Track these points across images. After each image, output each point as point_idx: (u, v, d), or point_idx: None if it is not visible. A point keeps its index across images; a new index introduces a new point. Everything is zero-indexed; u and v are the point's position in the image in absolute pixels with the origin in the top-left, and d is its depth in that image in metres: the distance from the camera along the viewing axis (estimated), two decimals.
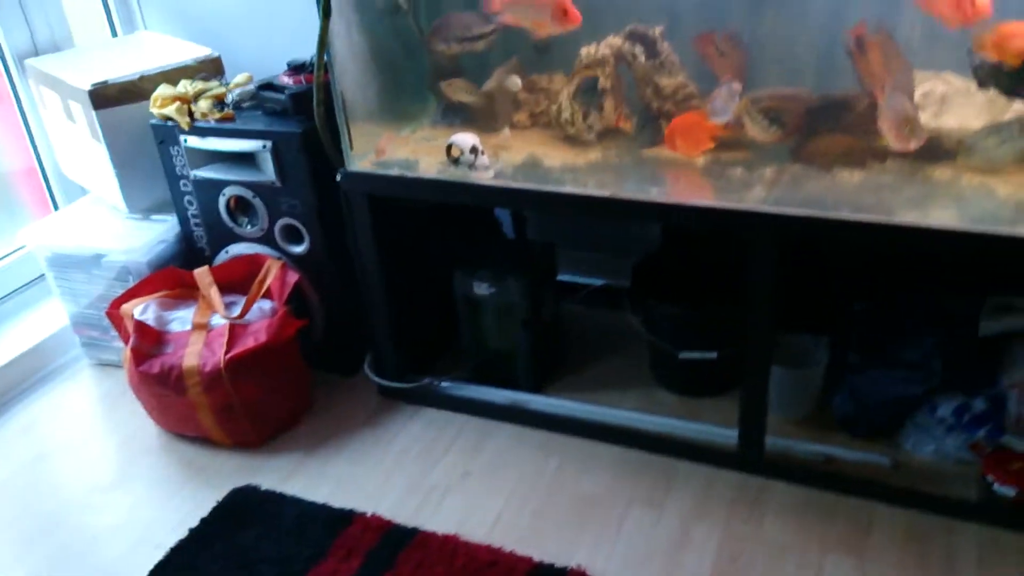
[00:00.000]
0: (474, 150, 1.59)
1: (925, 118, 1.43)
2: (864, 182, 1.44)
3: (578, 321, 2.17)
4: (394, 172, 1.68)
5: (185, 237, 2.12)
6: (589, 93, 1.58)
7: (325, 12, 1.54)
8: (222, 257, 2.07)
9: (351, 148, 1.71)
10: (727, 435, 1.67)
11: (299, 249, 1.95)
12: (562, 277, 2.17)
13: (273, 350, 1.84)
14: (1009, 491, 1.44)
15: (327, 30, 1.56)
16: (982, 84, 1.36)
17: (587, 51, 1.58)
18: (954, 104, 1.44)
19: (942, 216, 1.34)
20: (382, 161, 1.72)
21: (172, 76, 2.05)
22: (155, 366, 1.82)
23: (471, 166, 1.60)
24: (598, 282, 2.26)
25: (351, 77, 1.66)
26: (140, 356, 1.84)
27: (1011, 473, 1.45)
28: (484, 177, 1.61)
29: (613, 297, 2.15)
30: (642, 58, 1.55)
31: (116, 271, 2.08)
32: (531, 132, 1.69)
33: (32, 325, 2.29)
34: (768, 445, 1.62)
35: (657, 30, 1.55)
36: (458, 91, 1.68)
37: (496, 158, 1.62)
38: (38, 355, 2.24)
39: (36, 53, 2.32)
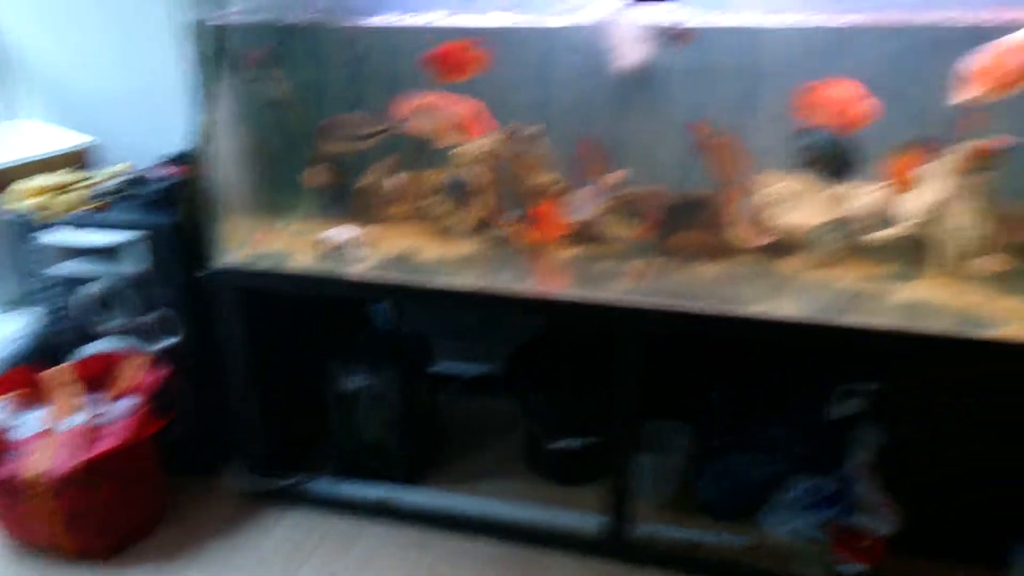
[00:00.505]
0: (349, 243, 1.61)
1: (773, 216, 1.56)
2: (720, 275, 1.54)
3: (456, 410, 2.18)
4: (266, 266, 1.68)
5: (45, 334, 2.01)
6: (459, 188, 1.64)
7: (203, 106, 1.55)
8: (87, 352, 1.98)
9: (222, 242, 1.69)
10: (595, 523, 1.69)
11: (169, 343, 1.89)
12: (440, 367, 2.18)
13: (128, 453, 1.75)
14: (856, 568, 1.52)
15: (207, 124, 1.57)
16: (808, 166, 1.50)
17: (464, 148, 1.65)
18: (801, 203, 1.58)
19: (788, 307, 1.44)
20: (255, 254, 1.71)
21: (34, 168, 2.00)
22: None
23: (345, 259, 1.62)
24: (476, 370, 2.29)
25: (226, 171, 1.67)
26: None
27: (859, 551, 1.53)
28: (358, 270, 1.62)
29: (490, 386, 2.18)
30: (519, 154, 1.63)
31: None
32: (407, 225, 1.74)
33: None
34: (636, 532, 1.65)
35: (534, 129, 1.63)
36: (318, 177, 1.71)
37: (371, 251, 1.65)
38: None
39: None
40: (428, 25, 1.43)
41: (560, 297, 1.52)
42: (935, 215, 1.45)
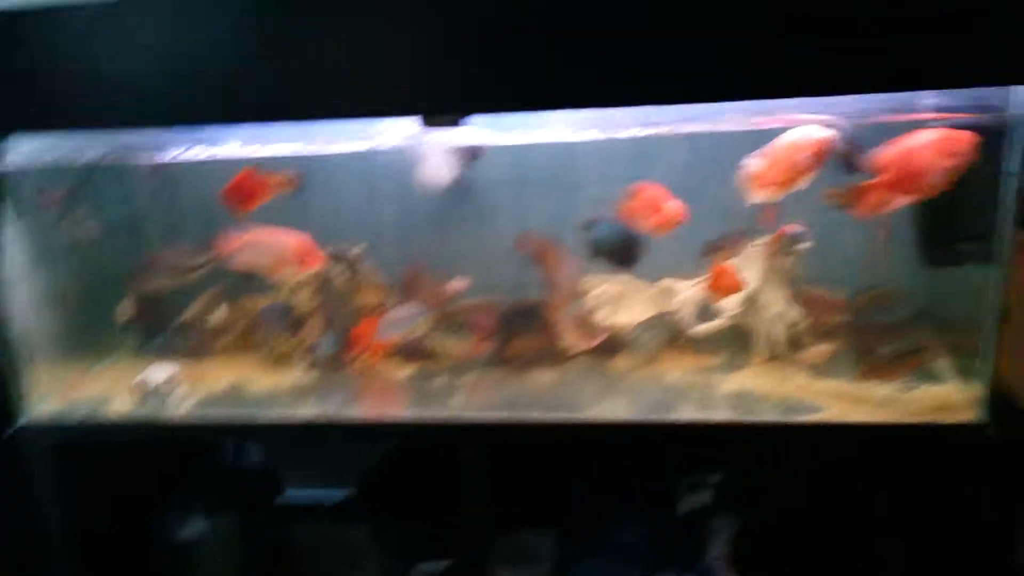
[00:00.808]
0: (167, 383, 1.51)
1: (600, 317, 1.58)
2: (555, 381, 1.53)
3: (311, 541, 2.05)
4: (79, 417, 1.55)
5: None
6: (281, 316, 1.58)
7: None
8: None
9: (27, 396, 1.56)
10: None
11: None
12: (290, 497, 2.05)
13: None
14: None
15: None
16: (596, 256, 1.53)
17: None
18: (627, 302, 1.61)
19: (621, 408, 1.45)
20: (68, 405, 1.58)
21: None
22: None
23: (166, 401, 1.51)
24: (329, 497, 2.17)
25: (28, 317, 1.55)
26: None
27: None
28: (179, 412, 1.52)
29: (345, 513, 2.07)
30: (342, 277, 1.59)
31: None
32: (237, 357, 1.66)
33: None
34: None
35: (356, 250, 1.60)
36: (129, 312, 1.63)
37: (192, 389, 1.55)
38: None
39: None
40: (229, 157, 1.40)
41: (395, 420, 1.48)
42: (751, 305, 1.51)
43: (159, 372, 1.51)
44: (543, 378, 1.54)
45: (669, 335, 1.56)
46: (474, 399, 1.50)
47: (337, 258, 1.58)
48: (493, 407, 1.47)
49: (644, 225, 1.45)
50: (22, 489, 1.62)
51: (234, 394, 1.56)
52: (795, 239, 1.43)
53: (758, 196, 1.34)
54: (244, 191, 1.44)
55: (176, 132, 1.40)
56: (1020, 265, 1.18)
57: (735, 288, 1.47)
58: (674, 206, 1.40)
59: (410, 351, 1.60)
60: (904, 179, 1.25)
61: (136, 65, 1.22)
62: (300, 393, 1.55)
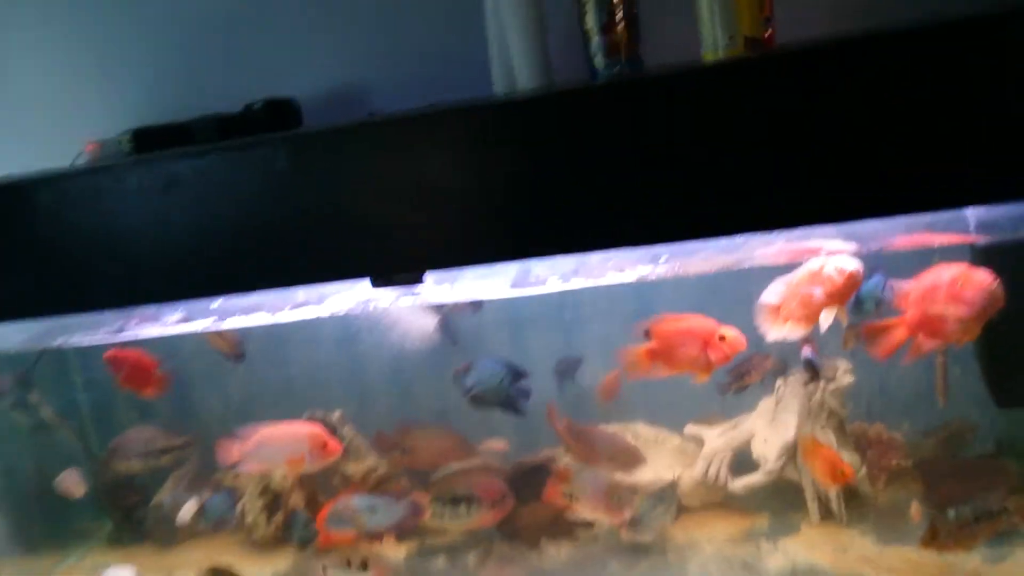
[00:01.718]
0: None
1: (619, 477, 1.36)
2: (573, 556, 1.31)
3: None
4: None
5: None
6: (229, 505, 1.41)
7: None
8: None
9: None
10: None
11: None
12: None
13: None
14: None
15: None
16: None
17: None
18: (648, 455, 1.39)
19: None
20: None
21: None
22: None
23: None
24: None
25: None
26: None
27: None
28: None
29: None
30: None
31: None
32: (216, 540, 1.48)
33: None
34: None
35: (336, 415, 1.44)
36: (70, 483, 1.47)
37: None
38: None
39: None
40: (183, 332, 1.26)
41: None
42: (793, 455, 1.28)
43: (119, 574, 1.34)
44: (558, 553, 1.32)
45: (706, 493, 1.33)
46: None
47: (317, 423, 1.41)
48: None
49: (689, 359, 1.22)
50: None
51: None
52: (814, 364, 1.22)
53: (777, 332, 1.13)
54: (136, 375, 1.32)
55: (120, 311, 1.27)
56: None
57: (845, 476, 1.21)
58: (733, 334, 1.16)
59: (404, 530, 1.40)
60: (926, 321, 1.05)
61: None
62: None
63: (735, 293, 1.17)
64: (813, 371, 1.23)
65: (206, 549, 1.45)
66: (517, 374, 1.30)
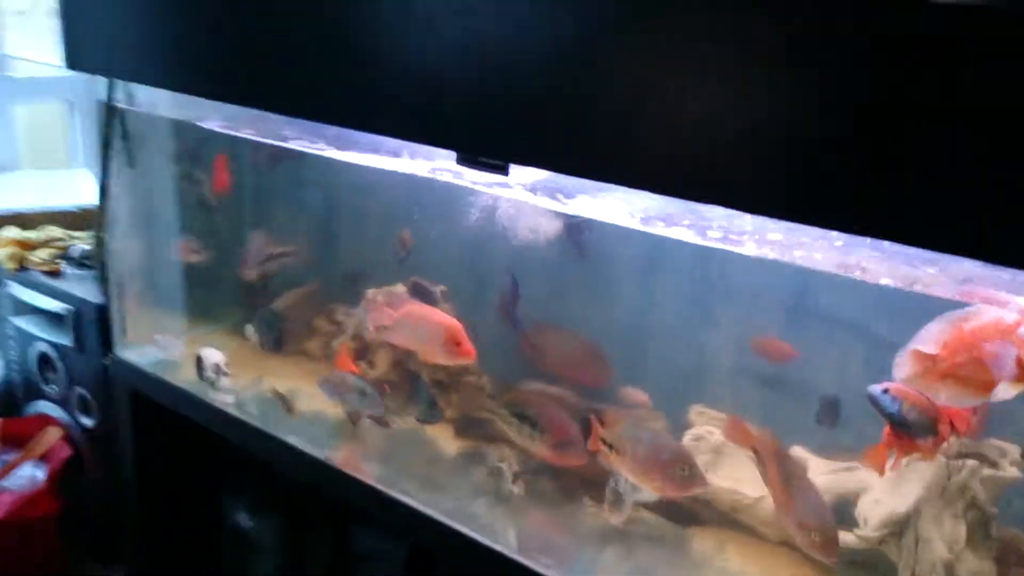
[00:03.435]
0: (216, 369, 1.42)
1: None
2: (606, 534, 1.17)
3: None
4: (155, 369, 1.53)
5: (7, 382, 2.00)
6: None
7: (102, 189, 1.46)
8: (29, 411, 1.93)
9: (124, 334, 1.57)
10: None
11: (88, 422, 1.80)
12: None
13: (12, 529, 1.65)
14: None
15: (105, 211, 1.47)
16: None
17: (373, 293, 1.42)
18: (732, 458, 1.18)
19: None
20: (152, 355, 1.57)
21: (36, 220, 2.01)
22: None
23: (213, 384, 1.43)
24: None
25: (132, 261, 1.56)
26: None
27: None
28: (223, 400, 1.43)
29: None
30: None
31: None
32: (312, 365, 1.52)
33: None
34: None
35: (439, 288, 1.38)
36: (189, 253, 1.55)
37: (247, 382, 1.45)
38: None
39: None
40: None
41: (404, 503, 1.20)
42: (899, 530, 1.00)
43: (212, 355, 1.43)
44: (574, 519, 1.18)
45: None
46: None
47: (417, 291, 1.36)
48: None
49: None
50: (108, 416, 1.66)
51: (280, 403, 1.43)
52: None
53: (928, 391, 0.85)
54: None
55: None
56: None
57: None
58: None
59: (466, 424, 1.33)
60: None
61: None
62: (341, 429, 1.37)
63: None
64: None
65: (299, 367, 1.50)
66: None
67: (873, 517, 1.03)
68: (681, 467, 1.06)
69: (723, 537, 1.13)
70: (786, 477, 1.01)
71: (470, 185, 1.13)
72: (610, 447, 1.08)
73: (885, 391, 0.89)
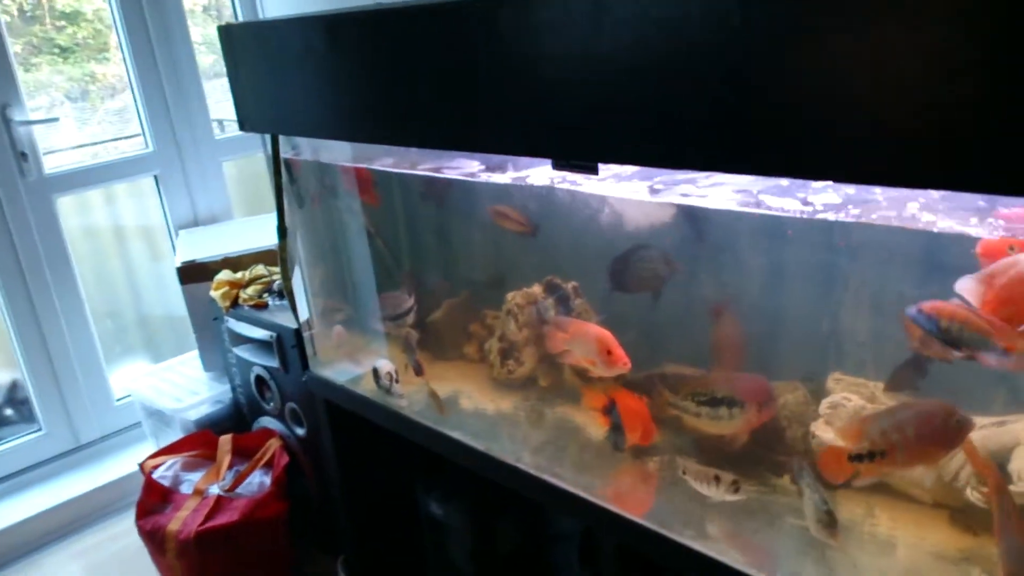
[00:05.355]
0: (390, 377, 1.59)
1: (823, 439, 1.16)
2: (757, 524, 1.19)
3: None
4: (343, 381, 1.73)
5: (235, 403, 2.32)
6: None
7: (281, 233, 1.67)
8: (255, 427, 2.24)
9: (314, 351, 1.79)
10: None
11: (301, 432, 2.05)
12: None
13: (246, 529, 1.93)
14: None
15: (284, 249, 1.68)
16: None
17: (511, 296, 1.53)
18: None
19: None
20: (341, 368, 1.77)
21: (246, 261, 2.31)
22: (149, 523, 1.99)
23: (388, 391, 1.60)
24: None
25: (316, 283, 1.77)
26: (142, 511, 2.02)
27: None
28: (399, 404, 1.59)
29: None
30: (555, 309, 1.46)
31: (182, 424, 2.33)
32: (470, 367, 1.65)
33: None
34: None
35: (571, 285, 1.46)
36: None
37: (406, 388, 1.60)
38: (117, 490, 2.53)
39: (196, 224, 2.77)
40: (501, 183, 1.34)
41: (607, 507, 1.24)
42: None
43: (385, 365, 1.59)
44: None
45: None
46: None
47: (552, 289, 1.45)
48: None
49: None
50: (314, 425, 1.89)
51: (450, 403, 1.57)
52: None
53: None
54: None
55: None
56: None
57: None
58: None
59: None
60: None
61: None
62: (503, 424, 1.48)
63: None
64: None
65: (464, 371, 1.64)
66: None
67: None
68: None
69: (871, 501, 1.12)
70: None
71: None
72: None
73: (920, 311, 0.87)
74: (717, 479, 1.17)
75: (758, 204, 1.06)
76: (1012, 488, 1.00)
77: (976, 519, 1.05)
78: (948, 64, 0.66)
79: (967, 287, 0.81)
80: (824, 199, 1.01)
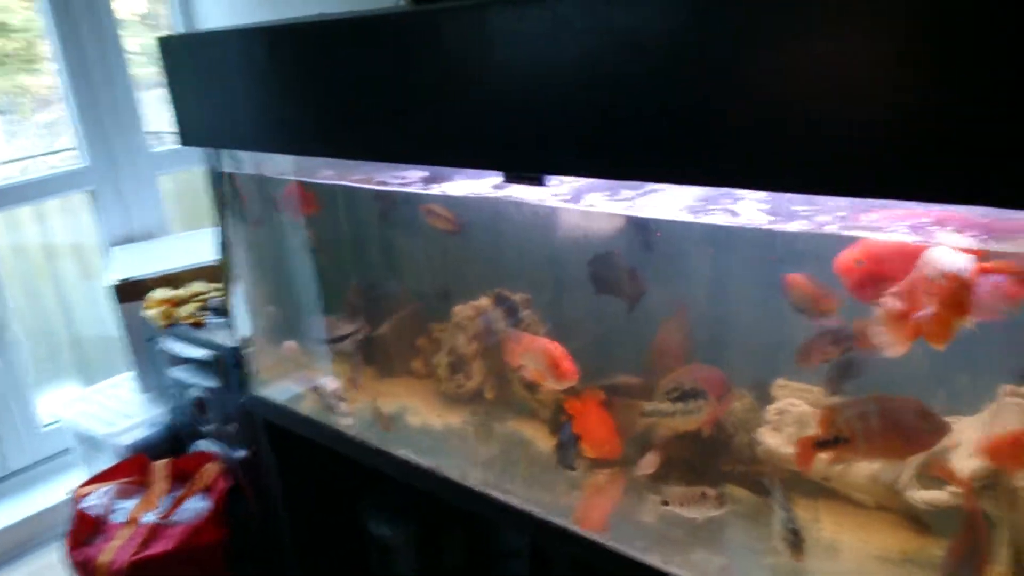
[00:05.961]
0: (332, 393, 1.55)
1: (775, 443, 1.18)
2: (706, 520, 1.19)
3: None
4: (283, 401, 1.69)
5: (172, 426, 2.24)
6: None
7: (223, 248, 1.63)
8: (192, 450, 2.16)
9: (254, 371, 1.75)
10: None
11: (241, 453, 1.99)
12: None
13: (183, 558, 1.85)
14: None
15: (227, 265, 1.64)
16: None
17: (459, 309, 1.52)
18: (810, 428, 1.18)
19: None
20: (281, 388, 1.73)
21: (184, 278, 2.25)
22: (80, 555, 1.90)
23: (332, 409, 1.56)
24: None
25: (255, 303, 1.73)
26: (72, 542, 1.93)
27: None
28: (344, 423, 1.56)
29: None
30: (504, 322, 1.45)
31: (115, 450, 2.24)
32: (418, 383, 1.63)
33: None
34: None
35: (518, 296, 1.45)
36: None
37: (349, 406, 1.57)
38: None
39: (131, 240, 2.69)
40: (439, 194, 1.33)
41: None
42: (992, 483, 0.98)
43: (327, 381, 1.56)
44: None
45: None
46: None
47: (501, 301, 1.44)
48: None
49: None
50: (252, 445, 1.84)
51: (394, 419, 1.54)
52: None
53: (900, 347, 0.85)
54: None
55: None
56: None
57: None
58: None
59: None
60: None
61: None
62: (450, 437, 1.46)
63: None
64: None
65: (408, 387, 1.61)
66: None
67: (965, 472, 1.01)
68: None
69: (816, 507, 1.13)
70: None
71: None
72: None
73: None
74: (704, 495, 1.17)
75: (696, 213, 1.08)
76: (950, 489, 1.03)
77: (919, 521, 1.07)
78: (892, 77, 0.68)
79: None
80: (743, 207, 1.02)
